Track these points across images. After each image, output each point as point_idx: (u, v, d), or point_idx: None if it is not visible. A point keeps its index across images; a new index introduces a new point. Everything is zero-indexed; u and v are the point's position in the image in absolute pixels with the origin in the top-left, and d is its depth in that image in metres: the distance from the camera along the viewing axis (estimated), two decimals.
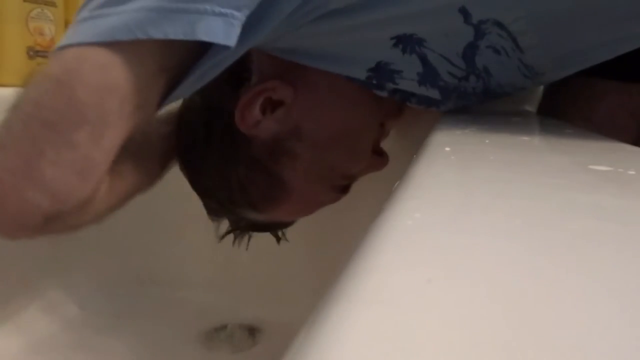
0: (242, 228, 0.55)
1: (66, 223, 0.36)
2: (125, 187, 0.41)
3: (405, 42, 0.40)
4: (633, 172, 0.23)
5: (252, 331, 0.70)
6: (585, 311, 0.10)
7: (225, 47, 0.32)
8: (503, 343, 0.09)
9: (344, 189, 0.52)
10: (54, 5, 0.68)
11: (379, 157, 0.52)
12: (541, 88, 0.60)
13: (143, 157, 0.43)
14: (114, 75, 0.32)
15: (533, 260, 0.12)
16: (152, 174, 0.46)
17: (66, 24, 0.71)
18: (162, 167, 0.47)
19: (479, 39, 0.41)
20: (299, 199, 0.49)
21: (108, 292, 0.74)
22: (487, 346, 0.08)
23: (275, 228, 0.56)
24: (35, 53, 0.66)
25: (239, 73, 0.44)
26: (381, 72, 0.42)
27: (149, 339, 0.67)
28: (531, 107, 0.60)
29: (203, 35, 0.31)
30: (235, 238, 0.56)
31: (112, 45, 0.31)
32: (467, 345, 0.08)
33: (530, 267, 0.12)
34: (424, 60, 0.41)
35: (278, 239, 0.58)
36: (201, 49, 0.34)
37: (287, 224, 0.56)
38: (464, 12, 0.39)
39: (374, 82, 0.43)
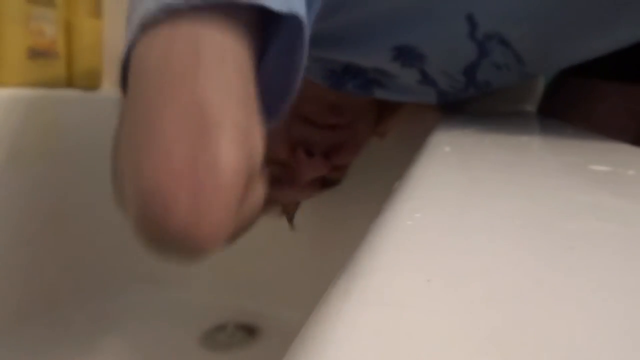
0: None
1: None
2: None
3: (405, 57, 0.39)
4: (633, 172, 0.23)
5: (252, 331, 0.70)
6: (586, 311, 0.10)
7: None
8: (503, 343, 0.09)
9: (282, 171, 0.49)
10: (54, 5, 0.68)
11: (304, 158, 0.48)
12: (541, 88, 0.60)
13: None
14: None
15: (533, 260, 0.12)
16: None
17: (66, 24, 0.71)
18: None
19: (483, 58, 0.40)
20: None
21: (108, 292, 0.74)
22: (487, 346, 0.08)
23: None
24: (35, 53, 0.66)
25: None
26: (379, 72, 0.42)
27: (149, 339, 0.67)
28: (531, 107, 0.60)
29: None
30: None
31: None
32: (467, 345, 0.08)
33: (530, 267, 0.12)
34: (423, 73, 0.41)
35: (290, 221, 0.56)
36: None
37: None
38: (471, 21, 0.37)
39: (373, 75, 0.42)
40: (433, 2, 0.37)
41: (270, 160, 0.46)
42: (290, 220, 0.57)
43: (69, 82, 0.72)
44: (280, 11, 0.24)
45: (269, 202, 0.50)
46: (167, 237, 0.22)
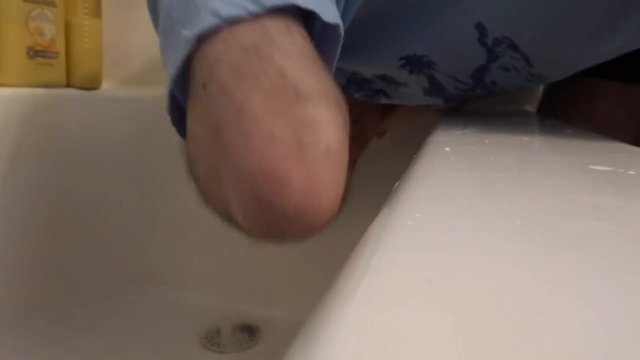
0: None
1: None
2: None
3: (414, 65, 0.39)
4: (633, 172, 0.23)
5: (252, 331, 0.70)
6: (586, 311, 0.10)
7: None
8: (503, 343, 0.09)
9: None
10: (54, 5, 0.68)
11: None
12: (541, 88, 0.60)
13: None
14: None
15: (533, 260, 0.12)
16: None
17: (66, 24, 0.71)
18: None
19: (491, 62, 0.40)
20: None
21: (107, 292, 0.74)
22: (487, 346, 0.08)
23: None
24: (35, 53, 0.66)
25: None
26: (386, 78, 0.42)
27: (149, 339, 0.67)
28: (531, 107, 0.60)
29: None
30: None
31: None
32: (468, 345, 0.08)
33: (530, 267, 0.12)
34: (431, 78, 0.41)
35: None
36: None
37: None
38: (480, 28, 0.37)
39: (379, 83, 0.42)
40: (442, 12, 0.37)
41: None
42: None
43: (69, 82, 0.72)
44: (333, 23, 0.25)
45: None
46: (285, 216, 0.21)
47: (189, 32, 0.24)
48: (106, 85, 0.77)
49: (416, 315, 0.09)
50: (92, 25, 0.73)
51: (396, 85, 0.42)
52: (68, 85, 0.71)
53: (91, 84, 0.73)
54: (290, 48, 0.23)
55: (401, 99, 0.44)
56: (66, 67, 0.71)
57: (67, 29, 0.71)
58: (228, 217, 0.25)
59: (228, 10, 0.23)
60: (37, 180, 0.65)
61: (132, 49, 0.80)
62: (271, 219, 0.22)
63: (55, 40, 0.69)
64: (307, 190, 0.21)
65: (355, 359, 0.08)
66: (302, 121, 0.22)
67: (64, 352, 0.63)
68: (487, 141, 0.31)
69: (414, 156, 0.26)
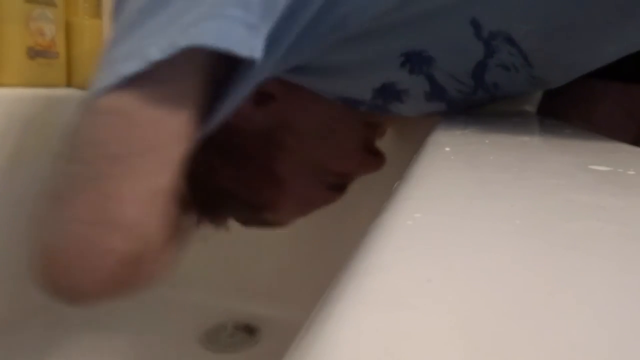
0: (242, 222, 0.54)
1: (148, 265, 0.34)
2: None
3: (414, 62, 0.40)
4: (633, 172, 0.23)
5: (252, 331, 0.70)
6: (586, 311, 0.10)
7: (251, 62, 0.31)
8: (503, 343, 0.09)
9: (339, 188, 0.52)
10: (54, 5, 0.68)
11: (373, 157, 0.51)
12: None
13: None
14: (164, 104, 0.31)
15: (533, 260, 0.12)
16: None
17: (66, 24, 0.71)
18: None
19: (489, 57, 0.40)
20: (292, 195, 0.49)
21: None
22: (487, 346, 0.08)
23: (264, 225, 0.55)
24: (35, 53, 0.66)
25: None
26: (387, 92, 0.42)
27: (149, 339, 0.67)
28: (531, 107, 0.60)
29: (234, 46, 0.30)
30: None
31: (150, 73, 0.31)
32: (468, 345, 0.08)
33: (530, 267, 0.12)
34: (431, 80, 0.41)
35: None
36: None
37: (278, 223, 0.55)
38: (475, 25, 0.38)
39: (379, 102, 0.43)
40: (437, 10, 0.38)
41: (333, 173, 0.50)
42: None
43: (69, 82, 0.72)
44: (240, 54, 0.30)
45: (317, 205, 0.52)
46: (51, 286, 0.32)
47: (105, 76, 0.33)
48: None
49: (416, 315, 0.09)
50: (93, 26, 0.73)
51: (397, 94, 0.42)
52: (68, 85, 0.71)
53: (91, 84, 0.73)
54: (141, 160, 0.32)
55: (405, 112, 0.45)
56: (66, 67, 0.71)
57: (68, 29, 0.71)
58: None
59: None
60: (38, 180, 0.64)
61: None
62: (43, 282, 0.33)
63: (56, 40, 0.69)
64: (69, 279, 0.32)
65: (355, 359, 0.08)
66: (95, 239, 0.31)
67: (64, 352, 0.63)
68: (487, 141, 0.31)
69: (414, 156, 0.26)
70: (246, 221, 0.54)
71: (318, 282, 0.27)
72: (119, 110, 0.31)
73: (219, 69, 0.34)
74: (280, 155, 0.47)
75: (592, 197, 0.18)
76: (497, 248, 0.13)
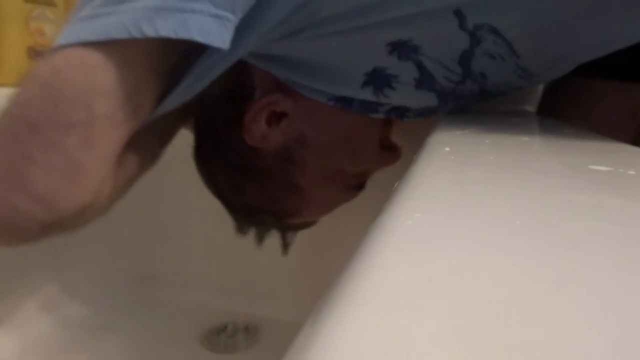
0: (263, 227, 0.56)
1: (67, 227, 0.35)
2: (127, 175, 0.40)
3: (401, 49, 0.40)
4: (633, 172, 0.23)
5: (252, 331, 0.70)
6: (586, 311, 0.10)
7: (218, 49, 0.32)
8: (503, 343, 0.09)
9: (359, 186, 0.53)
10: (54, 5, 0.68)
11: (389, 152, 0.52)
12: (541, 88, 0.60)
13: (142, 139, 0.41)
14: (102, 78, 0.31)
15: (533, 260, 0.12)
16: (153, 153, 0.45)
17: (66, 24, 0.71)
18: (163, 144, 0.46)
19: (475, 46, 0.41)
20: (316, 202, 0.51)
21: (107, 292, 0.74)
22: (487, 346, 0.08)
23: (299, 228, 0.57)
24: (35, 53, 0.66)
25: (241, 90, 0.45)
26: (378, 76, 0.42)
27: (149, 339, 0.67)
28: (531, 107, 0.60)
29: (196, 35, 0.30)
30: (261, 237, 0.56)
31: (103, 45, 0.31)
32: (468, 345, 0.08)
33: (530, 267, 0.12)
34: (420, 66, 0.41)
35: (285, 247, 0.58)
36: (195, 54, 0.34)
37: (311, 223, 0.57)
38: (459, 15, 0.39)
39: (371, 87, 0.43)
40: (421, 1, 0.38)
41: (352, 176, 0.50)
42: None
43: None
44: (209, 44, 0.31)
45: (333, 206, 0.52)
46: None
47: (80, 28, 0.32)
48: None
49: (416, 315, 0.09)
50: None
51: (388, 79, 0.42)
52: None
53: None
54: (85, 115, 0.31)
55: (396, 101, 0.45)
56: None
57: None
58: None
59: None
60: None
61: None
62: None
63: (55, 40, 0.69)
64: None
65: (355, 359, 0.08)
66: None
67: (63, 352, 0.63)
68: (487, 141, 0.31)
69: (414, 156, 0.26)
70: (281, 229, 0.56)
71: (318, 282, 0.27)
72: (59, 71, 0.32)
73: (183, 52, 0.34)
74: (300, 169, 0.48)
75: (592, 197, 0.18)
76: (497, 248, 0.13)
